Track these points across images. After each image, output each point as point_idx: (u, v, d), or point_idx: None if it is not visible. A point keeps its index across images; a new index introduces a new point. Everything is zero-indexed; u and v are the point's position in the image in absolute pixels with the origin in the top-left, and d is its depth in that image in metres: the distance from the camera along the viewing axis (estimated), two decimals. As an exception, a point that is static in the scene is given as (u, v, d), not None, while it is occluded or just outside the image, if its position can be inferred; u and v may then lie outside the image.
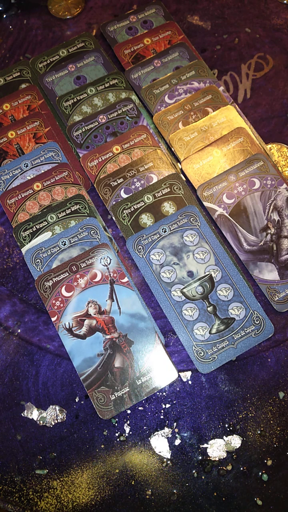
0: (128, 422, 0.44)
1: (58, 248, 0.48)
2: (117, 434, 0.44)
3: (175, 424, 0.44)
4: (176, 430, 0.44)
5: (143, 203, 0.50)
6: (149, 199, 0.50)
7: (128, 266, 0.49)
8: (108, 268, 0.47)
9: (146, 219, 0.49)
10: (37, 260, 0.48)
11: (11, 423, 0.45)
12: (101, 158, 0.52)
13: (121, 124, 0.55)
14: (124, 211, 0.50)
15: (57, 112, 0.56)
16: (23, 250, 0.49)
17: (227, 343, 0.45)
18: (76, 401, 0.45)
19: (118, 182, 0.51)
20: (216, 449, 0.43)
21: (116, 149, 0.53)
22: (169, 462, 0.43)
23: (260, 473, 0.43)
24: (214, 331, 0.45)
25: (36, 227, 0.49)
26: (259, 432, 0.44)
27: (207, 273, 0.47)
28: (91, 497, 0.43)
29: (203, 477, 0.43)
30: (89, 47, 0.60)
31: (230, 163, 0.51)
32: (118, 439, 0.44)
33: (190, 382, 0.45)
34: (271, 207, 0.49)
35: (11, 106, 0.56)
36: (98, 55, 0.59)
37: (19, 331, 0.48)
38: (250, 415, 0.44)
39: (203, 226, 0.48)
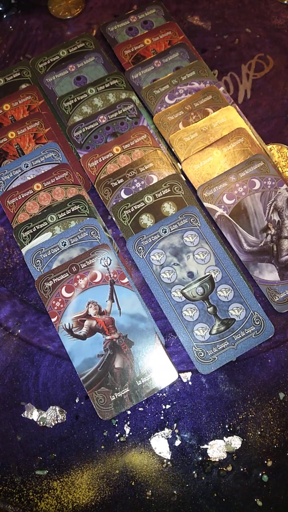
0: (128, 422, 0.44)
1: (58, 249, 0.48)
2: (117, 435, 0.44)
3: (175, 425, 0.44)
4: (176, 431, 0.44)
5: (143, 204, 0.50)
6: (149, 200, 0.50)
7: (128, 266, 0.49)
8: (108, 269, 0.47)
9: (146, 220, 0.49)
10: (37, 261, 0.48)
11: (11, 424, 0.45)
12: (101, 159, 0.52)
13: (121, 125, 0.55)
14: (124, 211, 0.50)
15: (57, 113, 0.56)
16: (23, 250, 0.49)
17: (227, 343, 0.45)
18: (76, 401, 0.45)
19: (118, 182, 0.51)
20: (216, 450, 0.43)
21: (116, 150, 0.53)
22: (169, 463, 0.43)
23: (260, 474, 0.43)
24: (214, 331, 0.45)
25: (36, 228, 0.49)
26: (259, 433, 0.44)
27: (207, 274, 0.47)
28: (91, 498, 0.43)
29: (203, 478, 0.43)
30: (89, 48, 0.60)
31: (230, 163, 0.51)
32: (118, 440, 0.44)
33: (190, 383, 0.45)
34: (271, 207, 0.49)
35: (11, 107, 0.56)
36: (98, 55, 0.59)
37: (19, 331, 0.48)
38: (250, 416, 0.44)
39: (203, 227, 0.48)
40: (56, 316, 0.46)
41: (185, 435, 0.44)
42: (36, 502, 0.43)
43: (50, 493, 0.43)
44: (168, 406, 0.45)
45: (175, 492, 0.43)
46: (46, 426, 0.45)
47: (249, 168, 0.50)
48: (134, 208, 0.50)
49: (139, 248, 0.48)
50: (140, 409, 0.45)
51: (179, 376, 0.45)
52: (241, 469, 0.43)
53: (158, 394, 0.45)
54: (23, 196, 0.51)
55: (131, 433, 0.44)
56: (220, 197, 0.50)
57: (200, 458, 0.43)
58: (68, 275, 0.47)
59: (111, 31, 0.61)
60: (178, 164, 0.53)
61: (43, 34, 0.63)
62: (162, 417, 0.44)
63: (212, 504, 0.42)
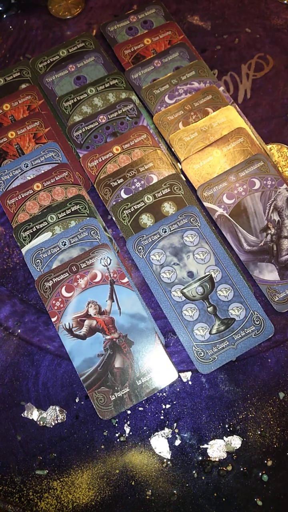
0: (128, 422, 0.44)
1: (58, 249, 0.48)
2: (117, 435, 0.44)
3: (175, 424, 0.44)
4: (176, 430, 0.44)
5: (143, 204, 0.50)
6: (149, 200, 0.50)
7: (128, 266, 0.49)
8: (108, 269, 0.47)
9: (146, 220, 0.49)
10: (37, 261, 0.48)
11: (11, 424, 0.45)
12: (101, 159, 0.52)
13: (121, 124, 0.55)
14: (124, 211, 0.50)
15: (57, 112, 0.56)
16: (23, 250, 0.49)
17: (227, 343, 0.45)
18: (76, 401, 0.45)
19: (118, 182, 0.51)
20: (216, 449, 0.43)
21: (116, 150, 0.53)
22: (169, 462, 0.43)
23: (260, 474, 0.43)
24: (214, 331, 0.45)
25: (36, 228, 0.49)
26: (259, 432, 0.44)
27: (207, 274, 0.47)
28: (91, 498, 0.43)
29: (203, 478, 0.43)
30: (89, 47, 0.60)
31: (230, 163, 0.51)
32: (118, 440, 0.44)
33: (190, 383, 0.45)
34: (271, 207, 0.49)
35: (11, 106, 0.56)
36: (98, 55, 0.59)
37: (19, 331, 0.48)
38: (250, 415, 0.44)
39: (203, 227, 0.48)
40: (56, 316, 0.46)
41: (185, 435, 0.44)
42: (36, 502, 0.43)
43: (50, 492, 0.43)
44: (168, 406, 0.45)
45: (175, 491, 0.43)
46: (46, 426, 0.45)
47: (249, 168, 0.50)
48: (134, 208, 0.50)
49: (139, 248, 0.48)
50: (140, 408, 0.45)
51: (179, 376, 0.45)
52: (241, 469, 0.43)
53: (158, 393, 0.45)
54: (23, 196, 0.51)
55: (131, 433, 0.44)
56: (220, 197, 0.50)
57: (200, 458, 0.43)
58: (68, 275, 0.47)
59: (111, 31, 0.61)
60: (178, 164, 0.53)
61: (43, 34, 0.63)
62: (162, 417, 0.44)
63: (212, 503, 0.42)
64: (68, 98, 0.56)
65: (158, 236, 0.48)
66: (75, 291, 0.46)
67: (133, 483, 0.43)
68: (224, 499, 0.42)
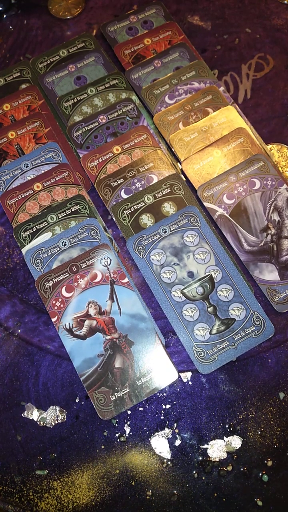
0: (129, 422, 0.44)
1: (58, 249, 0.48)
2: (117, 435, 0.44)
3: (175, 424, 0.44)
4: (177, 430, 0.44)
5: (144, 204, 0.50)
6: (150, 200, 0.50)
7: (128, 266, 0.49)
8: (108, 269, 0.47)
9: (146, 220, 0.49)
10: (37, 261, 0.48)
11: (12, 424, 0.45)
12: (101, 159, 0.52)
13: (122, 125, 0.55)
14: (125, 211, 0.50)
15: (58, 113, 0.56)
16: (23, 250, 0.49)
17: (228, 343, 0.45)
18: (76, 401, 0.45)
19: (118, 182, 0.51)
20: (217, 449, 0.43)
21: (116, 150, 0.53)
22: (169, 462, 0.43)
23: (260, 474, 0.43)
24: (214, 331, 0.45)
25: (36, 228, 0.49)
26: (259, 432, 0.44)
27: (207, 274, 0.47)
28: (91, 498, 0.43)
29: (203, 478, 0.43)
30: (89, 47, 0.60)
31: (230, 163, 0.51)
32: (118, 440, 0.44)
33: (190, 383, 0.45)
34: (272, 207, 0.49)
35: (12, 107, 0.56)
36: (98, 55, 0.59)
37: (19, 331, 0.48)
38: (251, 415, 0.44)
39: (203, 227, 0.48)
40: (56, 316, 0.46)
41: (185, 435, 0.44)
42: (36, 502, 0.43)
43: (50, 493, 0.43)
44: (168, 406, 0.45)
45: (175, 492, 0.43)
46: (46, 426, 0.45)
47: (249, 168, 0.50)
48: (134, 208, 0.50)
49: (139, 248, 0.48)
50: (140, 409, 0.45)
51: (179, 376, 0.45)
52: (241, 469, 0.43)
53: (158, 394, 0.45)
54: (23, 196, 0.51)
55: (131, 433, 0.44)
56: (220, 197, 0.50)
57: (200, 458, 0.43)
58: (68, 275, 0.47)
59: (111, 31, 0.61)
60: (178, 164, 0.53)
61: (43, 34, 0.63)
62: (162, 417, 0.44)
63: (212, 504, 0.42)
64: (68, 98, 0.56)
65: (158, 236, 0.48)
66: (75, 291, 0.46)
67: (133, 483, 0.43)
68: (224, 499, 0.42)
